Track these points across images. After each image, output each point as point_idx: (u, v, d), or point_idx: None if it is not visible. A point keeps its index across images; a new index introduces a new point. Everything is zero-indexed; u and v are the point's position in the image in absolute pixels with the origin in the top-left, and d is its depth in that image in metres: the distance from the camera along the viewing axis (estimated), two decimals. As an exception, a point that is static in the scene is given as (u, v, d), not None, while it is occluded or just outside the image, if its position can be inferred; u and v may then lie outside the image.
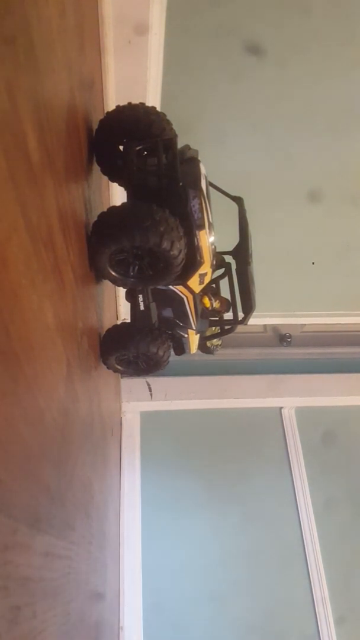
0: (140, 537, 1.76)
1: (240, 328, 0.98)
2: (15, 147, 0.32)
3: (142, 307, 0.89)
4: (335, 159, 1.36)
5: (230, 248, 0.91)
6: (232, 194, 0.90)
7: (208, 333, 1.05)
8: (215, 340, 1.08)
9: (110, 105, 1.00)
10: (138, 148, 0.75)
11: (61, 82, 0.48)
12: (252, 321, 0.95)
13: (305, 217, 1.52)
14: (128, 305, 0.92)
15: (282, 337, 2.23)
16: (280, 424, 2.04)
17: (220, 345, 1.11)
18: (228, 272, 0.96)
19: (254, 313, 0.92)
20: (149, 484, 1.86)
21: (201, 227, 0.75)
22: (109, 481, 1.27)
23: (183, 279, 0.80)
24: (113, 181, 0.87)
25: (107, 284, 0.97)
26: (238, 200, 0.89)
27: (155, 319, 0.93)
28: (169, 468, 1.92)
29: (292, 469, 1.93)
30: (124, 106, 0.76)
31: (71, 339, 0.58)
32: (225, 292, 0.98)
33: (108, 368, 0.99)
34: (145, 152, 0.78)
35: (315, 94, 1.19)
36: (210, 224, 0.77)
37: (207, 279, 0.83)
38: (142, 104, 0.76)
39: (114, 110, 0.76)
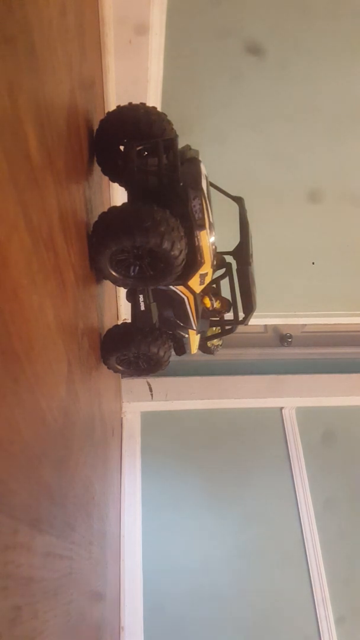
0: (140, 537, 1.76)
1: (240, 328, 0.98)
2: (16, 147, 0.32)
3: (142, 308, 0.89)
4: (335, 159, 1.36)
5: (231, 248, 0.91)
6: (233, 194, 0.90)
7: (209, 333, 1.05)
8: (215, 340, 1.08)
9: (111, 106, 1.00)
10: (139, 148, 0.75)
11: (62, 82, 0.48)
12: (252, 321, 0.95)
13: (305, 217, 1.52)
14: (129, 305, 0.92)
15: (282, 338, 2.23)
16: (281, 424, 2.04)
17: (220, 345, 1.11)
18: (229, 272, 0.96)
19: (255, 313, 0.91)
20: (150, 484, 1.86)
21: (202, 227, 0.75)
22: (109, 481, 1.27)
23: (184, 279, 0.80)
24: (114, 181, 0.87)
25: (107, 284, 0.97)
26: (239, 200, 0.89)
27: (156, 319, 0.93)
28: (170, 468, 1.92)
29: (293, 469, 1.93)
30: (124, 106, 0.76)
31: (72, 339, 0.58)
32: (225, 292, 0.98)
33: (109, 368, 0.99)
34: (146, 153, 0.78)
35: (315, 94, 1.20)
36: (211, 224, 0.77)
37: (207, 279, 0.83)
38: (143, 104, 0.76)
39: (114, 111, 0.76)
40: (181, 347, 1.04)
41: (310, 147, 1.32)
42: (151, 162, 0.76)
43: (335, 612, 1.71)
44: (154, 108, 0.76)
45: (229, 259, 0.95)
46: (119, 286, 0.80)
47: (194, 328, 0.96)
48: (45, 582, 0.43)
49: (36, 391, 0.39)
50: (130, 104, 0.76)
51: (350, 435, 2.05)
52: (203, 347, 1.08)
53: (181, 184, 0.74)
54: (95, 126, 0.78)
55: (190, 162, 0.79)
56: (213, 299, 0.97)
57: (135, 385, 2.01)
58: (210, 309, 0.98)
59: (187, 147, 0.82)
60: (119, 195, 1.15)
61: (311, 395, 2.07)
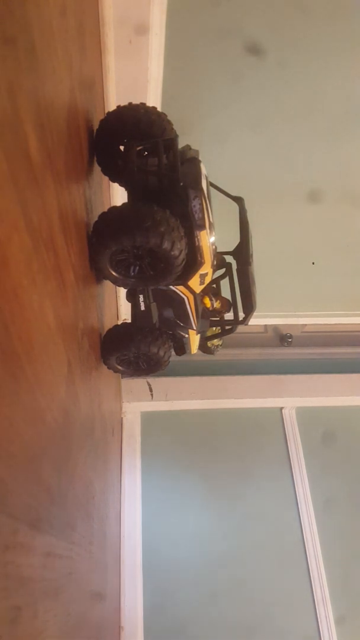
0: (140, 537, 1.76)
1: (240, 328, 0.98)
2: (16, 147, 0.32)
3: (142, 307, 0.89)
4: (335, 159, 1.36)
5: (231, 248, 0.90)
6: (233, 194, 0.90)
7: (209, 333, 1.05)
8: (216, 340, 1.08)
9: (111, 106, 1.00)
10: (139, 148, 0.75)
11: (62, 82, 0.48)
12: (252, 321, 0.95)
13: (305, 217, 1.52)
14: (129, 305, 0.92)
15: (282, 337, 2.23)
16: (281, 424, 2.04)
17: (221, 345, 1.11)
18: (229, 272, 0.96)
19: (255, 313, 0.92)
20: (150, 484, 1.86)
21: (202, 227, 0.75)
22: (109, 481, 1.27)
23: (184, 279, 0.80)
24: (114, 181, 0.87)
25: (107, 284, 0.97)
26: (239, 200, 0.89)
27: (156, 319, 0.93)
28: (170, 468, 1.92)
29: (293, 469, 1.93)
30: (124, 106, 0.76)
31: (72, 339, 0.58)
32: (225, 292, 0.98)
33: (109, 368, 0.99)
34: (146, 152, 0.78)
35: (315, 93, 1.20)
36: (211, 224, 0.77)
37: (207, 279, 0.83)
38: (143, 104, 0.76)
39: (114, 111, 0.76)
40: (181, 347, 1.04)
41: (310, 147, 1.32)
42: (151, 162, 0.76)
43: (335, 612, 1.71)
44: (154, 108, 0.76)
45: (229, 259, 0.95)
46: (119, 286, 0.80)
47: (194, 328, 0.95)
48: (45, 582, 0.43)
49: (36, 391, 0.39)
50: (130, 104, 0.76)
51: (350, 435, 2.05)
52: (203, 347, 1.08)
53: (181, 184, 0.74)
54: (95, 126, 0.78)
55: (190, 162, 0.79)
56: (213, 299, 0.97)
57: (135, 385, 2.01)
58: (210, 309, 0.98)
59: (187, 147, 0.82)
60: (119, 195, 1.15)
61: (311, 395, 2.07)
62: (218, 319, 1.01)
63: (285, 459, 1.96)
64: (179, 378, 2.04)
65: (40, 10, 0.39)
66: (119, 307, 1.62)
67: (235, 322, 0.97)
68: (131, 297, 0.90)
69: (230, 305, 0.98)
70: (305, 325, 2.18)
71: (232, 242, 0.89)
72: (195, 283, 0.82)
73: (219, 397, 2.03)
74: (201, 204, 0.75)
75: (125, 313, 1.66)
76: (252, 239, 0.90)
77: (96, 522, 0.88)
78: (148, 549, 1.75)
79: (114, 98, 1.03)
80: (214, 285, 1.00)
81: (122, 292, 1.23)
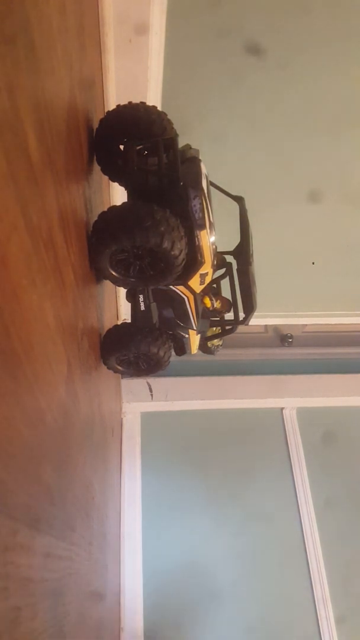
0: (140, 538, 1.76)
1: (241, 328, 0.98)
2: (15, 147, 0.32)
3: (142, 307, 0.89)
4: (335, 159, 1.36)
5: (232, 248, 0.90)
6: (233, 193, 0.90)
7: (209, 333, 1.05)
8: (216, 340, 1.07)
9: (111, 105, 1.00)
10: (138, 147, 0.75)
11: (62, 82, 0.48)
12: (253, 321, 0.95)
13: (305, 217, 1.52)
14: (128, 305, 0.92)
15: (283, 338, 2.23)
16: (282, 424, 2.04)
17: (221, 345, 1.11)
18: (229, 272, 0.96)
19: (255, 313, 0.91)
20: (150, 485, 1.86)
21: (202, 227, 0.75)
22: (109, 482, 1.27)
23: (184, 279, 0.80)
24: (113, 181, 0.87)
25: (107, 284, 0.97)
26: (239, 199, 0.89)
27: (156, 319, 0.93)
28: (170, 468, 1.92)
29: (293, 469, 1.93)
30: (124, 105, 0.76)
31: (72, 339, 0.58)
32: (226, 292, 0.98)
33: (108, 368, 0.98)
34: (146, 152, 0.78)
35: (315, 93, 1.19)
36: (211, 224, 0.77)
37: (208, 279, 0.83)
38: (143, 104, 0.76)
39: (114, 110, 0.76)
40: (181, 347, 1.04)
41: (310, 147, 1.32)
42: (151, 162, 0.76)
43: (335, 612, 1.71)
44: (154, 107, 0.76)
45: (229, 258, 0.95)
46: (119, 286, 0.80)
47: (194, 328, 0.95)
48: (45, 582, 0.43)
49: (36, 391, 0.39)
50: (130, 103, 0.76)
51: (351, 435, 2.05)
52: (203, 347, 1.08)
53: (181, 183, 0.74)
54: (95, 125, 0.77)
55: (190, 161, 0.79)
56: (213, 299, 0.96)
57: (135, 385, 2.01)
58: (211, 309, 0.97)
59: (187, 147, 0.82)
60: (119, 195, 1.15)
61: (312, 395, 2.07)
62: (218, 319, 1.01)
63: (286, 459, 1.96)
64: (179, 378, 2.04)
65: (40, 10, 0.39)
66: (119, 307, 1.62)
67: (236, 322, 0.97)
68: (131, 297, 0.90)
69: (230, 305, 0.98)
70: (306, 325, 2.18)
71: (232, 242, 0.89)
72: (195, 283, 0.82)
73: (219, 397, 2.03)
74: (201, 204, 0.74)
75: (125, 313, 1.66)
76: (252, 238, 0.90)
77: (96, 523, 0.88)
78: (148, 549, 1.74)
79: (114, 97, 1.03)
80: (214, 285, 0.99)
81: (122, 292, 1.23)
